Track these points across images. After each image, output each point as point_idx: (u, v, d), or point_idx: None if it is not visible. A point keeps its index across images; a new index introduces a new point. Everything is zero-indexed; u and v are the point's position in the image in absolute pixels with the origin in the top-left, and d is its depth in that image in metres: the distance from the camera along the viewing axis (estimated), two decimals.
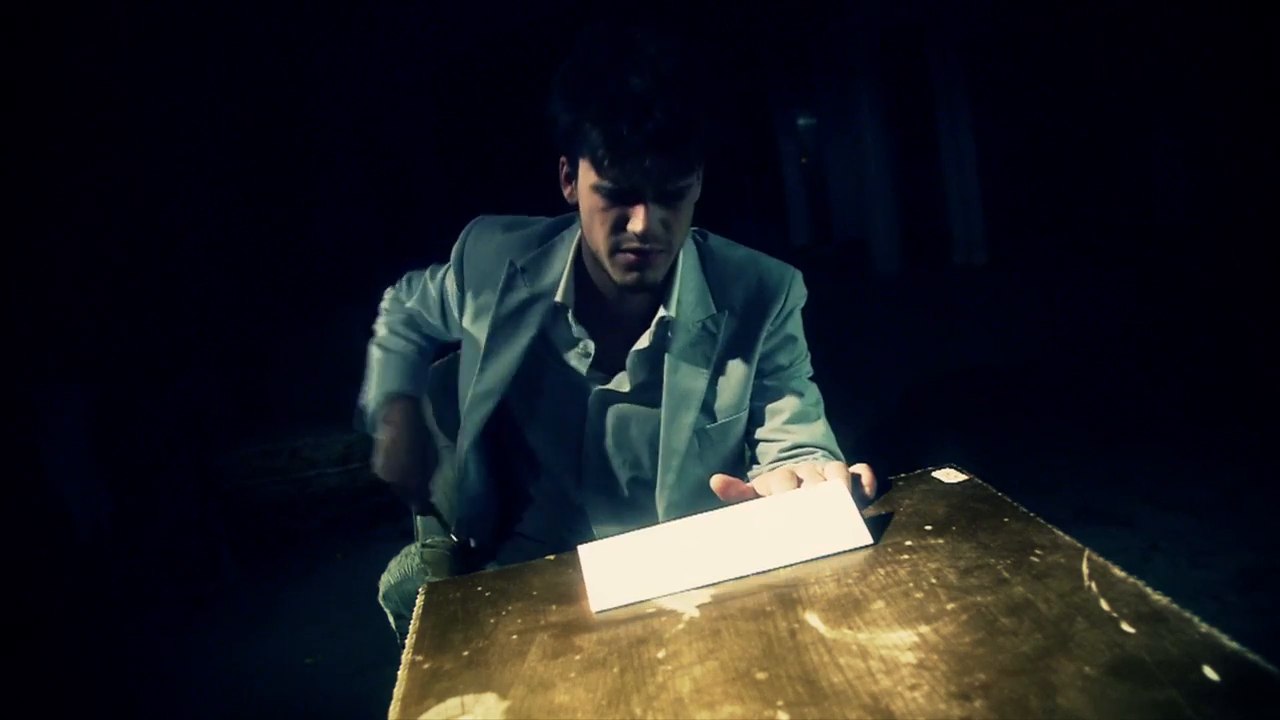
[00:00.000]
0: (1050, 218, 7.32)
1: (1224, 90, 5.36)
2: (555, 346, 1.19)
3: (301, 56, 5.40)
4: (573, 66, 1.00)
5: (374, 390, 1.33)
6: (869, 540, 0.78)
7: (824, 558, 0.77)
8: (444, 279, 1.31)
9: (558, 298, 1.16)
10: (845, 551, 0.78)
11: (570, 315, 1.16)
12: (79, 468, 3.29)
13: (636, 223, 1.01)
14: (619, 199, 1.02)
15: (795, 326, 1.22)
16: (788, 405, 1.22)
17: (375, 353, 1.37)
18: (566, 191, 1.11)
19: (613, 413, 1.19)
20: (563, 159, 1.09)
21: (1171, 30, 5.62)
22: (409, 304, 1.37)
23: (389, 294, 1.41)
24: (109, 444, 3.41)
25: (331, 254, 5.43)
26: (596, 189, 1.02)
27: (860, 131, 8.38)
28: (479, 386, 1.20)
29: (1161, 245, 6.07)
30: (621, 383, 1.18)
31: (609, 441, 1.21)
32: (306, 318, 4.06)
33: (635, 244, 1.03)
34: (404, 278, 1.41)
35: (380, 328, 1.39)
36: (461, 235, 1.27)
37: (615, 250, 1.05)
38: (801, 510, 0.81)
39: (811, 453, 1.20)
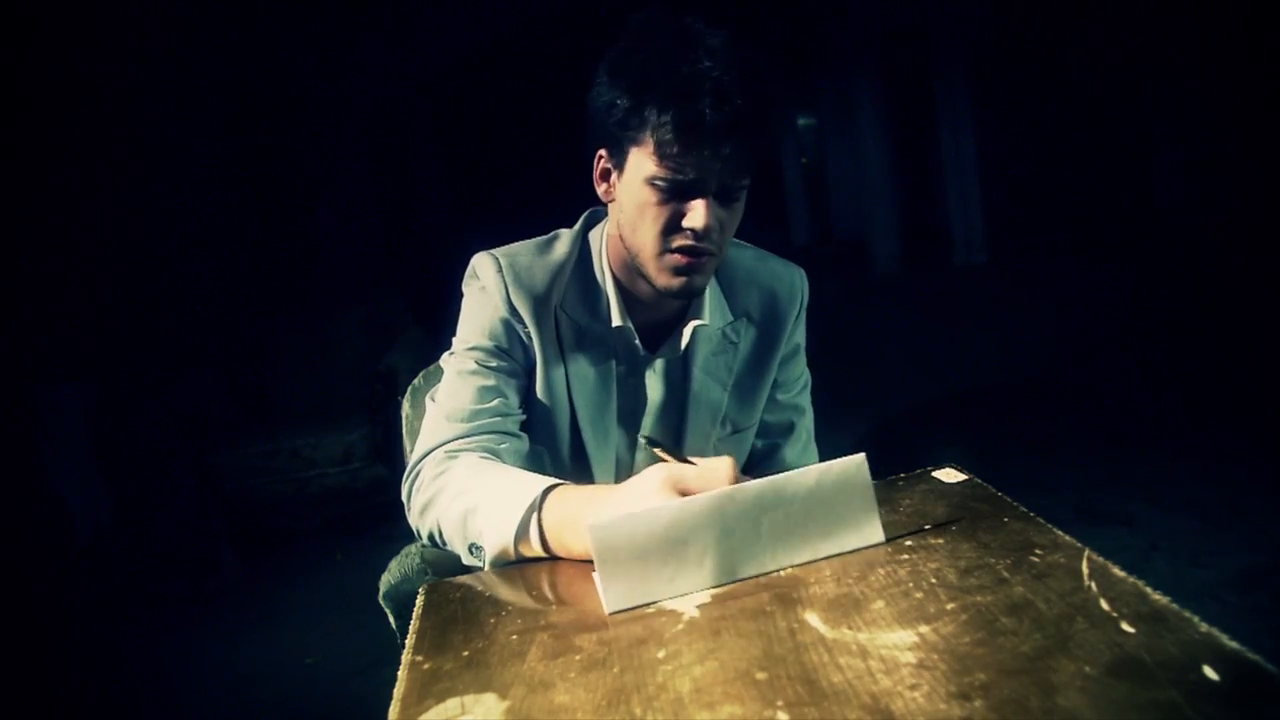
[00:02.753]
0: (1050, 218, 7.32)
1: (1224, 90, 5.36)
2: (620, 363, 1.13)
3: (302, 56, 5.40)
4: (630, 51, 0.93)
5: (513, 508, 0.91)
6: (881, 538, 0.79)
7: (837, 555, 0.78)
8: (499, 322, 1.08)
9: (615, 322, 1.08)
10: (858, 550, 0.78)
11: (636, 338, 1.10)
12: (79, 468, 3.29)
13: (696, 217, 0.93)
14: (677, 193, 0.94)
15: (802, 333, 1.22)
16: (786, 424, 1.23)
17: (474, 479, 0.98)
18: (603, 189, 1.03)
19: (645, 421, 1.17)
20: (601, 153, 1.00)
21: (1172, 31, 5.62)
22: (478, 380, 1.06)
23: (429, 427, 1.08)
24: (109, 444, 3.41)
25: (331, 254, 5.43)
26: (654, 181, 0.93)
27: (860, 131, 8.38)
28: (581, 417, 1.11)
29: (1161, 245, 6.07)
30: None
31: (641, 450, 1.18)
32: (306, 318, 4.06)
33: (689, 242, 0.95)
34: (423, 396, 1.17)
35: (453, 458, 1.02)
36: (491, 275, 1.08)
37: (665, 251, 0.97)
38: (821, 494, 0.78)
39: None
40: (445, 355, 1.14)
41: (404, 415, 1.37)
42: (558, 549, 0.89)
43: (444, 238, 6.85)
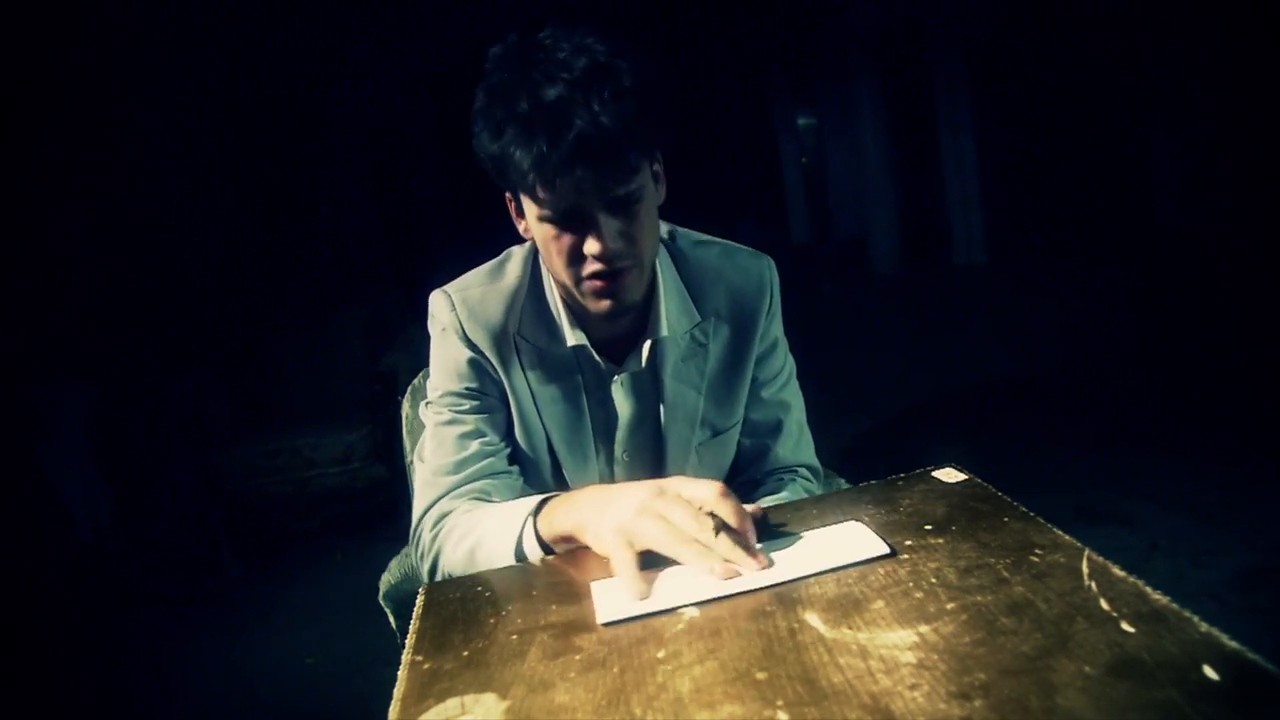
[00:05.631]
0: (1050, 218, 7.33)
1: (1223, 90, 5.36)
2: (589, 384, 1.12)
3: (302, 57, 5.40)
4: (485, 92, 0.90)
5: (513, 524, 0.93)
6: (886, 550, 0.76)
7: (841, 568, 0.75)
8: (465, 362, 1.08)
9: (570, 342, 1.06)
10: (863, 562, 0.75)
11: (596, 355, 1.08)
12: (79, 468, 3.29)
13: (592, 244, 0.91)
14: (568, 224, 0.92)
15: (778, 324, 1.19)
16: (774, 422, 1.20)
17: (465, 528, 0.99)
18: (521, 228, 1.02)
19: (620, 435, 1.15)
20: (508, 196, 1.00)
21: (1171, 31, 5.62)
22: (462, 424, 1.07)
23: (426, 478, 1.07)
24: (109, 444, 3.41)
25: (331, 254, 5.44)
26: (542, 219, 0.93)
27: (860, 131, 8.40)
28: (559, 442, 1.11)
29: (1161, 245, 6.07)
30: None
31: (619, 464, 1.17)
32: (306, 318, 4.06)
33: (598, 267, 0.93)
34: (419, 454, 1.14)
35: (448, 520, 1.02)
36: (446, 314, 1.08)
37: (580, 280, 0.95)
38: (822, 537, 0.80)
39: (791, 473, 1.20)
40: (423, 406, 1.13)
41: (404, 415, 1.37)
42: (552, 530, 0.89)
43: (444, 237, 6.85)
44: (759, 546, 0.78)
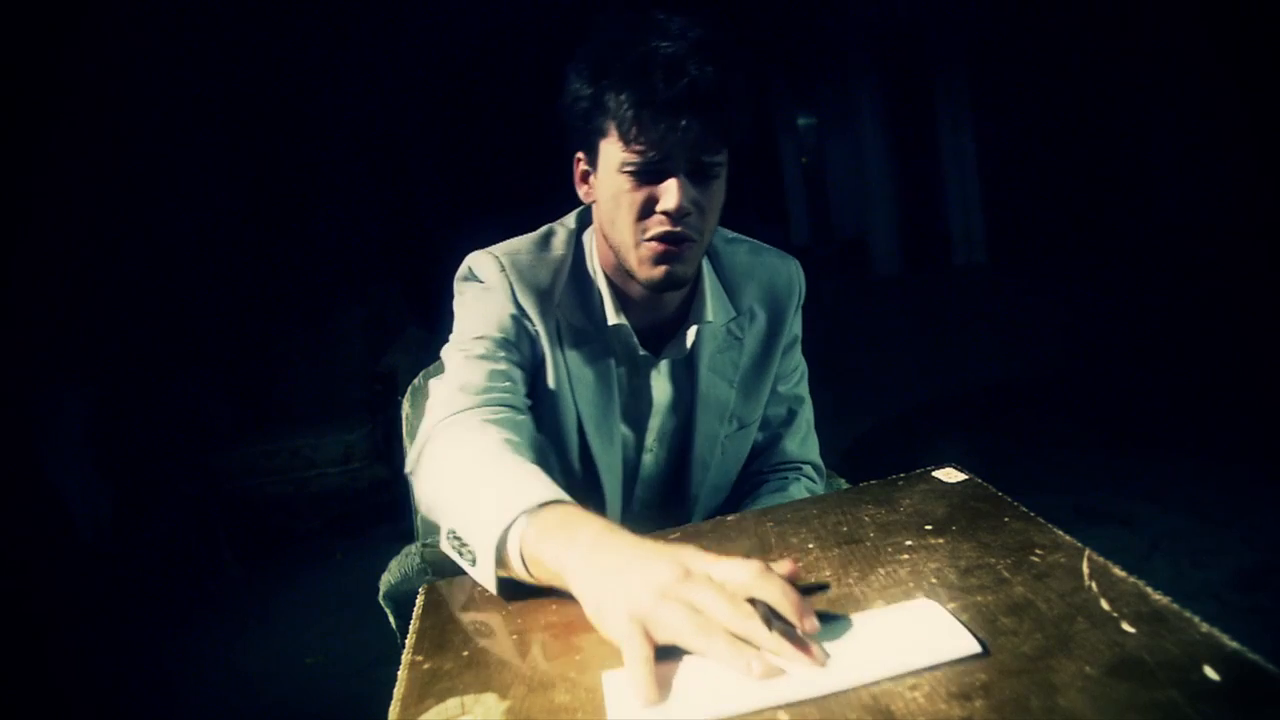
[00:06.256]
0: (1050, 218, 7.33)
1: (1224, 90, 5.36)
2: (621, 364, 1.11)
3: (302, 56, 5.40)
4: (593, 43, 0.94)
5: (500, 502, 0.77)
6: (977, 648, 0.58)
7: (925, 670, 0.57)
8: (508, 317, 1.04)
9: (611, 320, 1.06)
10: (953, 662, 0.57)
11: (635, 339, 1.08)
12: (79, 468, 3.29)
13: (669, 198, 0.92)
14: (648, 176, 0.93)
15: (799, 324, 1.23)
16: (787, 415, 1.23)
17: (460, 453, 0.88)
18: (583, 191, 1.03)
19: (652, 423, 1.15)
20: (578, 155, 1.01)
21: (1171, 31, 5.62)
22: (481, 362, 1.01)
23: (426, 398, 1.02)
24: (109, 444, 3.41)
25: (331, 254, 5.43)
26: (623, 168, 0.93)
27: (860, 131, 8.39)
28: (585, 420, 1.08)
29: (1161, 245, 6.07)
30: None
31: (648, 452, 1.17)
32: (306, 318, 4.06)
33: (666, 226, 0.94)
34: (419, 389, 1.11)
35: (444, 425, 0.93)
36: (495, 274, 1.05)
37: (643, 239, 0.95)
38: (892, 624, 0.63)
39: (796, 470, 1.22)
40: (446, 348, 1.06)
41: (404, 415, 1.37)
42: (536, 552, 0.73)
43: (443, 237, 6.84)
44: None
